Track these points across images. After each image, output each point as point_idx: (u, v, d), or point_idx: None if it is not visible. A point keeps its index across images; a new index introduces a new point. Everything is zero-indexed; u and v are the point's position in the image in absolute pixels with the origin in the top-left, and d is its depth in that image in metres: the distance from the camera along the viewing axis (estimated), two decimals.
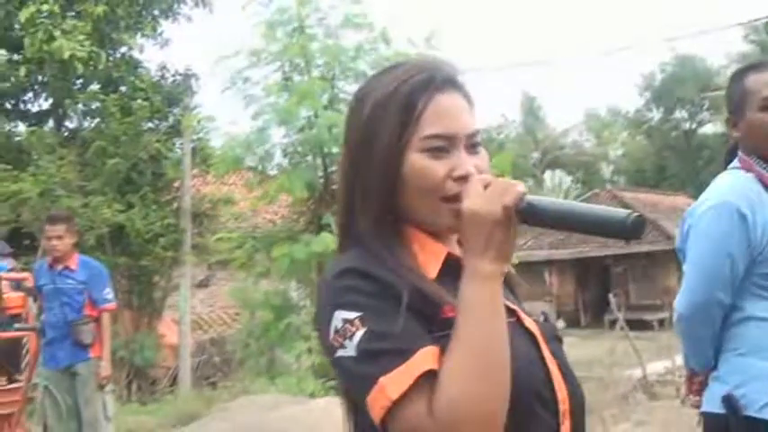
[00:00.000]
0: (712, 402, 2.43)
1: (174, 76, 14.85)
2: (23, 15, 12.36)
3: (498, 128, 51.26)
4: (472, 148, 1.33)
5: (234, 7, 10.28)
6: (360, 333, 1.17)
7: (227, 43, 9.48)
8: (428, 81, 1.32)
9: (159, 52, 16.07)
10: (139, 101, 13.29)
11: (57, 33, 12.15)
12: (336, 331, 1.20)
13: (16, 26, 13.24)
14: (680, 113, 48.29)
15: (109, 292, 6.46)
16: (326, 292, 1.26)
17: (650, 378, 10.55)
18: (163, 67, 14.91)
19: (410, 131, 1.30)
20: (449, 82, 1.35)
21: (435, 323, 1.20)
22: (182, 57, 29.52)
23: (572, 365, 1.37)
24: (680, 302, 2.54)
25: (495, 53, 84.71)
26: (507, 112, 65.65)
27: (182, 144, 14.02)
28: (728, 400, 2.37)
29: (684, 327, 2.55)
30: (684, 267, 2.55)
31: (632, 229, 1.16)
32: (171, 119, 14.35)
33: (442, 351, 1.16)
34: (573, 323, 25.90)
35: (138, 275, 13.56)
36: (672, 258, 25.70)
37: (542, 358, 1.30)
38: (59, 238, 6.17)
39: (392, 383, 1.13)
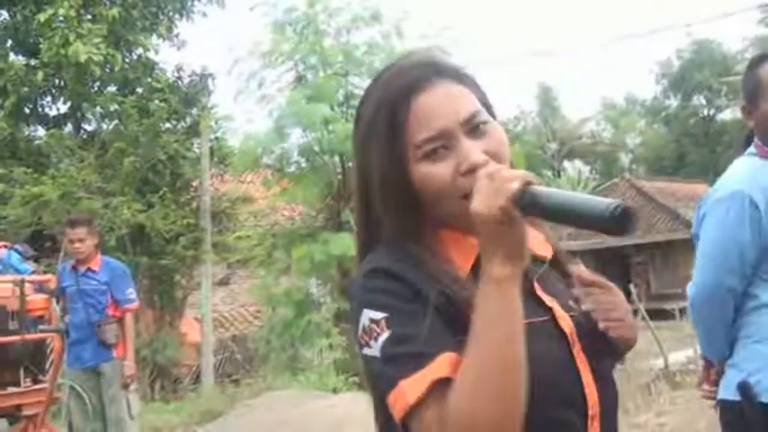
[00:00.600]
0: (728, 389, 2.44)
1: (190, 76, 14.95)
2: (39, 20, 12.48)
3: (515, 119, 50.99)
4: (475, 130, 1.27)
5: (247, 3, 10.36)
6: (385, 335, 1.18)
7: (241, 42, 9.55)
8: (406, 87, 1.28)
9: (176, 53, 16.15)
10: (157, 102, 13.44)
11: (72, 37, 12.27)
12: (364, 330, 1.21)
13: (33, 31, 13.40)
14: (698, 100, 47.80)
15: (132, 292, 6.51)
16: (357, 290, 1.26)
17: (673, 368, 10.47)
18: (179, 68, 15.04)
19: (403, 146, 1.27)
20: (428, 76, 1.29)
21: (461, 326, 1.16)
22: (198, 56, 29.64)
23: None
24: (691, 289, 2.55)
25: (509, 44, 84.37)
26: (523, 103, 65.40)
27: (199, 144, 14.08)
28: (743, 388, 2.38)
29: (696, 314, 2.56)
30: (696, 254, 2.56)
31: (614, 223, 1.04)
32: (188, 119, 14.47)
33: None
34: None
35: (160, 275, 13.67)
36: (691, 246, 25.39)
37: (573, 360, 1.27)
38: (81, 240, 6.23)
39: (410, 388, 1.13)
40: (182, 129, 14.28)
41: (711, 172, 40.71)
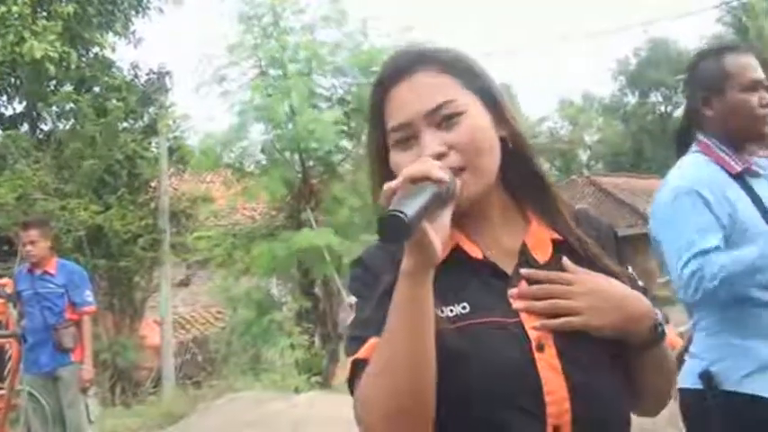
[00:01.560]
0: (689, 378, 2.46)
1: (147, 74, 14.78)
2: None
3: None
4: (445, 122, 1.27)
5: (204, 1, 10.27)
6: (350, 318, 1.30)
7: (201, 39, 9.45)
8: (388, 75, 1.33)
9: (132, 51, 15.94)
10: (114, 101, 13.25)
11: (27, 35, 12.07)
12: (349, 307, 1.34)
13: None
14: (655, 97, 48.65)
15: (89, 295, 6.42)
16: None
17: None
18: (136, 66, 14.84)
19: (382, 131, 1.33)
20: (410, 66, 1.32)
21: None
22: (155, 54, 29.28)
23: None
24: (687, 294, 2.41)
25: (468, 43, 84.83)
26: None
27: (157, 143, 13.93)
28: (705, 376, 2.41)
29: (723, 293, 2.37)
30: (667, 263, 2.48)
31: (381, 231, 1.06)
32: (146, 118, 14.30)
33: None
34: None
35: (118, 277, 13.50)
36: (650, 241, 25.87)
37: (534, 365, 1.22)
38: (33, 242, 6.15)
39: (348, 366, 1.24)
40: (139, 128, 14.12)
41: (669, 167, 41.25)
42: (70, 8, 12.69)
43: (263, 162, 10.32)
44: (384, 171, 1.31)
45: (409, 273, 1.14)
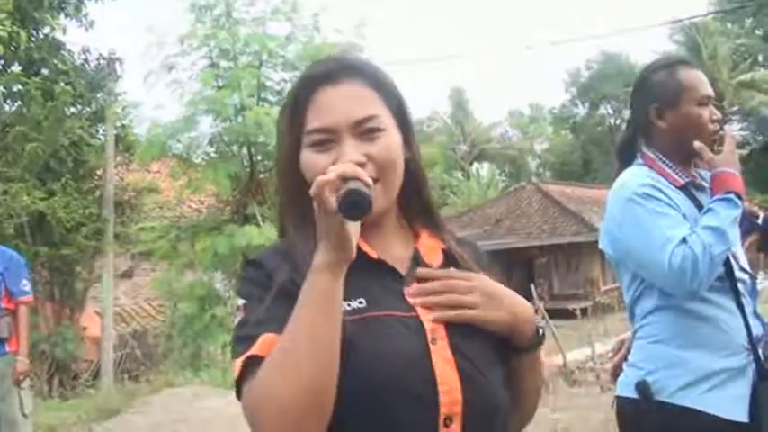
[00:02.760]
0: (626, 387, 2.50)
1: (97, 60, 14.48)
2: None
3: (428, 120, 51.77)
4: (365, 134, 1.34)
5: None
6: (238, 319, 1.31)
7: (154, 27, 9.29)
8: (312, 78, 1.38)
9: (83, 35, 15.66)
10: (62, 85, 12.96)
11: None
12: (236, 309, 1.34)
13: None
14: (605, 109, 49.63)
15: (26, 284, 6.15)
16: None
17: (571, 366, 10.79)
18: (86, 51, 14.50)
19: (300, 131, 1.36)
20: (338, 73, 1.37)
21: None
22: (106, 40, 28.81)
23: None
24: (686, 283, 2.33)
25: (424, 46, 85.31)
26: (437, 104, 66.38)
27: (104, 131, 13.72)
28: (641, 386, 2.44)
29: (700, 276, 2.32)
30: (645, 266, 2.44)
31: (342, 210, 1.14)
32: (94, 104, 14.03)
33: None
34: None
35: (60, 266, 13.31)
36: (595, 249, 26.18)
37: (428, 357, 1.27)
38: None
39: (237, 366, 1.24)
40: (87, 114, 13.85)
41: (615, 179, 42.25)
42: None
43: (212, 154, 10.22)
44: (292, 169, 1.37)
45: (326, 267, 1.19)
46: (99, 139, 13.77)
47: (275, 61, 8.94)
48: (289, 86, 9.04)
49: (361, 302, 1.30)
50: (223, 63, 8.90)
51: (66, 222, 12.46)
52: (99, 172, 13.93)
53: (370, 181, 1.20)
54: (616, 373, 2.66)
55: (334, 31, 8.90)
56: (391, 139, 1.37)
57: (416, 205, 1.47)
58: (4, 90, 13.15)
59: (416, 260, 1.40)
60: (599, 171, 45.77)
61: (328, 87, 1.36)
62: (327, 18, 8.84)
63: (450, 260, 1.43)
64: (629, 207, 2.46)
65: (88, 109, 13.97)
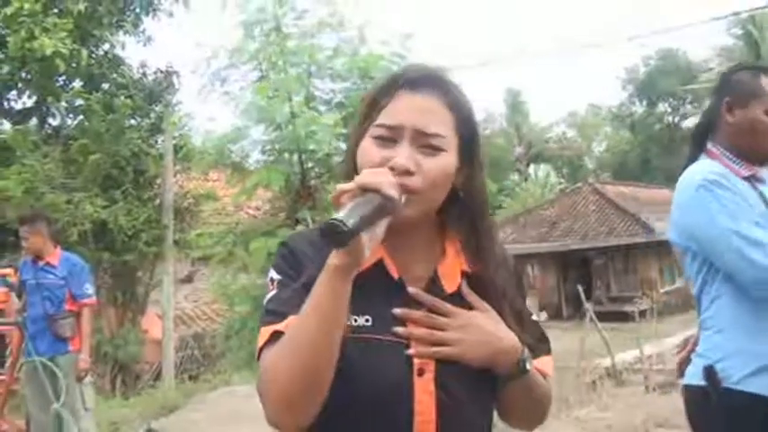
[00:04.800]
0: (694, 376, 2.57)
1: (155, 73, 14.99)
2: (5, 14, 12.45)
3: (483, 122, 51.36)
4: (428, 148, 1.39)
5: (213, 3, 10.44)
6: (271, 293, 1.44)
7: (207, 41, 9.58)
8: (394, 82, 1.45)
9: (141, 50, 16.14)
10: (122, 98, 13.39)
11: (38, 31, 12.25)
12: (270, 282, 1.47)
13: None
14: (663, 107, 48.53)
15: (89, 288, 6.51)
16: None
17: (620, 367, 10.76)
18: (144, 65, 15.08)
19: (370, 121, 1.43)
20: (420, 82, 1.43)
21: None
22: (163, 53, 29.50)
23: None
24: (750, 279, 2.42)
25: (479, 49, 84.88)
26: (492, 107, 65.85)
27: (163, 141, 14.12)
28: (708, 373, 2.50)
29: None
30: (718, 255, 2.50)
31: (324, 233, 1.20)
32: (152, 116, 14.49)
33: None
34: (556, 315, 25.99)
35: (122, 271, 13.72)
36: (652, 251, 25.90)
37: (411, 385, 1.37)
38: (25, 238, 6.33)
39: (263, 333, 1.37)
40: (146, 126, 14.30)
41: (675, 178, 41.00)
42: (81, 6, 12.88)
43: (264, 163, 10.47)
44: (352, 154, 1.46)
45: (335, 269, 1.27)
46: (157, 148, 14.17)
47: (324, 73, 9.16)
48: (338, 97, 9.31)
49: (367, 320, 1.39)
50: (273, 75, 9.16)
51: (127, 229, 12.86)
52: (159, 180, 14.33)
53: (393, 194, 1.27)
54: (682, 368, 2.70)
55: (383, 44, 9.05)
56: (447, 161, 1.41)
57: (458, 228, 1.51)
58: (66, 105, 13.70)
59: (434, 282, 1.46)
60: (658, 170, 44.82)
61: (411, 92, 1.42)
62: (375, 29, 8.97)
63: (470, 283, 1.48)
64: (700, 194, 2.51)
65: (147, 120, 14.44)
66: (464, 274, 1.49)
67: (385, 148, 1.39)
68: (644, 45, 44.09)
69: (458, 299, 1.46)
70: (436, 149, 1.40)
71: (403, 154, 1.37)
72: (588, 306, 12.10)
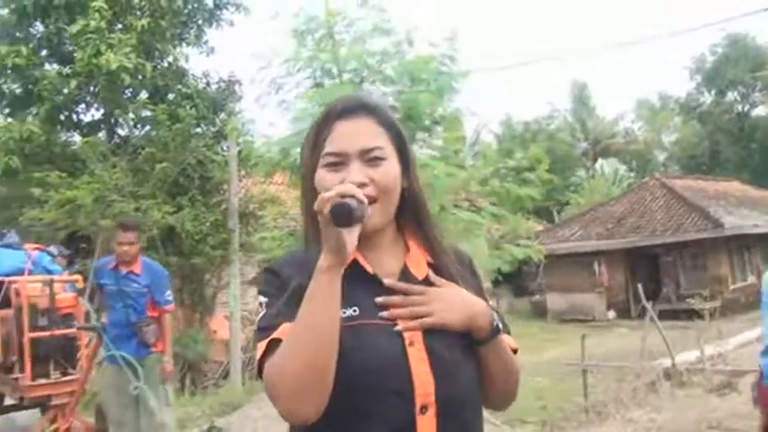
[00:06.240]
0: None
1: (218, 82, 15.42)
2: (72, 31, 12.96)
3: (548, 118, 50.78)
4: (372, 161, 1.62)
5: (271, 11, 10.68)
6: (261, 314, 1.61)
7: (263, 51, 9.87)
8: (333, 112, 1.67)
9: (205, 60, 16.59)
10: (186, 108, 13.85)
11: (103, 47, 12.73)
12: (258, 305, 1.63)
13: (66, 41, 13.91)
14: (732, 95, 47.08)
15: (169, 294, 6.78)
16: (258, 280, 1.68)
17: (681, 367, 10.59)
18: (207, 75, 15.54)
19: (318, 153, 1.64)
20: (352, 110, 1.66)
21: None
22: (226, 63, 30.21)
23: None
24: None
25: (541, 44, 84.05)
26: (556, 101, 65.01)
27: (227, 147, 14.47)
28: None
29: None
30: None
31: (334, 218, 1.40)
32: (217, 124, 14.90)
33: None
34: (624, 314, 25.62)
35: (189, 274, 14.08)
36: (722, 246, 25.18)
37: (405, 355, 1.54)
38: (131, 244, 6.49)
39: (260, 348, 1.54)
40: (210, 133, 14.69)
41: (746, 169, 40.04)
42: (144, 21, 13.34)
43: None
44: (310, 185, 1.65)
45: (326, 269, 1.45)
46: (222, 155, 14.49)
47: (375, 77, 9.37)
48: (390, 101, 9.49)
49: (354, 311, 1.56)
50: (327, 82, 9.41)
51: (194, 234, 13.20)
52: (224, 186, 14.65)
53: (364, 198, 1.46)
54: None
55: (429, 45, 9.23)
56: (391, 168, 1.64)
57: (412, 225, 1.74)
58: (133, 116, 14.16)
59: (405, 273, 1.68)
60: (728, 161, 43.63)
61: (345, 120, 1.64)
62: (420, 32, 9.15)
63: (434, 270, 1.70)
64: None
65: (211, 128, 14.84)
66: (429, 265, 1.71)
67: (338, 173, 1.60)
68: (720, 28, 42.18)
69: (428, 284, 1.67)
70: (380, 159, 1.63)
71: (354, 171, 1.59)
72: (647, 305, 11.94)
